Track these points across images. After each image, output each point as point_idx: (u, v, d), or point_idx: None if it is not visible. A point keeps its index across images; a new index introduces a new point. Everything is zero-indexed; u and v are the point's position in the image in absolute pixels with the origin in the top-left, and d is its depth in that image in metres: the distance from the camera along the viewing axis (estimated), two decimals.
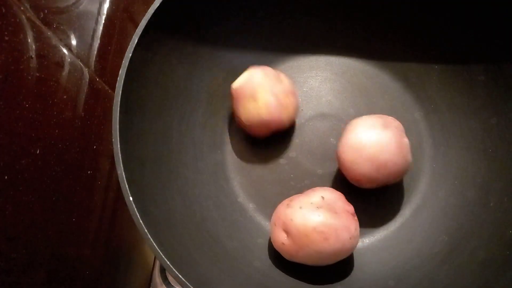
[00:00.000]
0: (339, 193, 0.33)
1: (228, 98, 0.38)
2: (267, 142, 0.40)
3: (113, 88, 0.33)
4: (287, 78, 0.37)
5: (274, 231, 0.32)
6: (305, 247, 0.30)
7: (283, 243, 0.31)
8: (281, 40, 0.42)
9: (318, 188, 0.33)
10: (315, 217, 0.30)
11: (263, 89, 0.35)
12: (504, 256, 0.30)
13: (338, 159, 0.34)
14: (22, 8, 0.29)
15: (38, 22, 0.30)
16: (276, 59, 0.42)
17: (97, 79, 0.37)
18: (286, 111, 0.36)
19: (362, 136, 0.32)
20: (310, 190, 0.33)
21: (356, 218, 0.32)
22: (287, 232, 0.31)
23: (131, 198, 0.27)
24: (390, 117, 0.34)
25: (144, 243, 0.27)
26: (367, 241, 0.36)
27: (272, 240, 0.32)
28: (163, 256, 0.26)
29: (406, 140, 0.33)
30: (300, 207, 0.31)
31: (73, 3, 0.35)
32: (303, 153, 0.39)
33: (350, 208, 0.32)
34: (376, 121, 0.33)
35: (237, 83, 0.36)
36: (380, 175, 0.32)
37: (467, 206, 0.35)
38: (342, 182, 0.37)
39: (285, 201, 0.33)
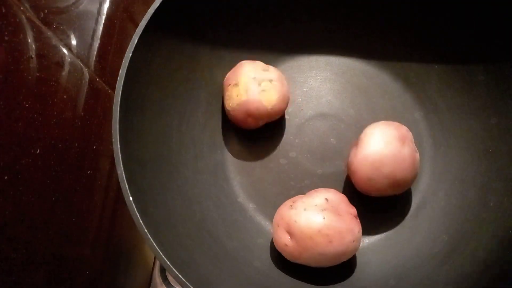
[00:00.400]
0: (342, 194, 0.33)
1: None
2: (267, 142, 0.40)
3: (113, 88, 0.33)
4: (275, 69, 0.38)
5: (277, 232, 0.32)
6: (309, 249, 0.30)
7: (286, 245, 0.31)
8: (281, 40, 0.42)
9: (320, 189, 0.33)
10: (320, 219, 0.30)
11: (245, 75, 0.36)
12: (504, 256, 0.30)
13: (352, 171, 0.34)
14: (22, 8, 0.29)
15: (38, 22, 0.30)
16: (276, 59, 0.42)
17: (97, 79, 0.37)
18: (266, 94, 0.35)
19: (382, 152, 0.32)
20: (312, 191, 0.33)
21: (358, 220, 0.32)
22: (290, 233, 0.31)
23: (131, 198, 0.27)
24: (403, 126, 0.34)
25: (144, 243, 0.27)
26: (367, 241, 0.36)
27: (274, 241, 0.32)
28: (163, 256, 0.26)
29: (417, 155, 0.33)
30: (305, 209, 0.30)
31: (73, 3, 0.35)
32: (303, 153, 0.39)
33: (353, 210, 0.32)
34: (393, 134, 0.32)
35: (226, 76, 0.38)
36: (392, 190, 0.33)
37: (467, 206, 0.35)
38: (342, 182, 0.37)
39: (288, 202, 0.33)
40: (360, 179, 0.33)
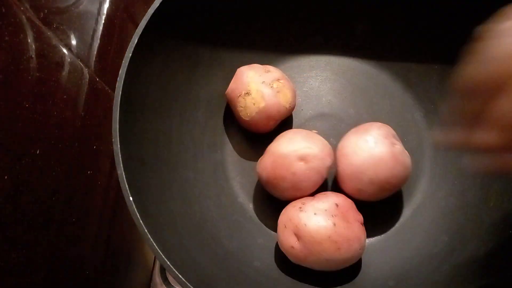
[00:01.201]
0: (350, 201, 0.33)
1: None
2: (267, 142, 0.39)
3: (113, 88, 0.33)
4: (275, 68, 0.38)
5: (284, 233, 0.31)
6: (316, 254, 0.30)
7: (292, 247, 0.31)
8: (281, 40, 0.42)
9: (329, 193, 0.33)
10: (331, 225, 0.29)
11: (253, 82, 0.36)
12: (504, 257, 0.30)
13: (340, 186, 0.35)
14: (22, 8, 0.29)
15: (38, 22, 0.30)
16: (276, 59, 0.42)
17: (97, 79, 0.37)
18: (281, 94, 0.36)
19: (357, 161, 0.32)
20: (321, 194, 0.33)
21: (364, 227, 0.32)
22: (298, 236, 0.30)
23: (131, 198, 0.27)
24: (373, 123, 0.34)
25: (144, 243, 0.27)
26: (367, 242, 0.36)
27: (280, 242, 0.32)
28: (163, 256, 0.26)
29: (397, 146, 0.33)
30: (315, 213, 0.30)
31: (73, 3, 0.35)
32: None
33: (360, 217, 0.32)
34: (363, 139, 0.33)
35: (229, 88, 0.37)
36: (386, 191, 0.33)
37: (467, 206, 0.35)
38: None
39: (296, 203, 0.32)
40: (350, 194, 0.34)
